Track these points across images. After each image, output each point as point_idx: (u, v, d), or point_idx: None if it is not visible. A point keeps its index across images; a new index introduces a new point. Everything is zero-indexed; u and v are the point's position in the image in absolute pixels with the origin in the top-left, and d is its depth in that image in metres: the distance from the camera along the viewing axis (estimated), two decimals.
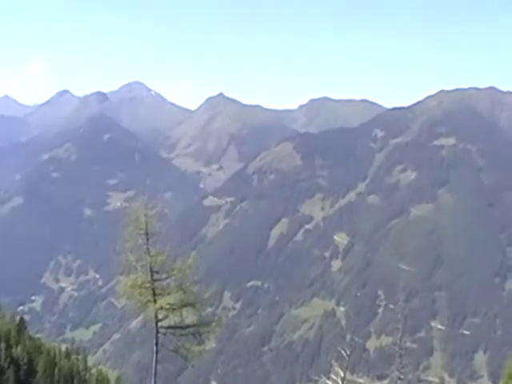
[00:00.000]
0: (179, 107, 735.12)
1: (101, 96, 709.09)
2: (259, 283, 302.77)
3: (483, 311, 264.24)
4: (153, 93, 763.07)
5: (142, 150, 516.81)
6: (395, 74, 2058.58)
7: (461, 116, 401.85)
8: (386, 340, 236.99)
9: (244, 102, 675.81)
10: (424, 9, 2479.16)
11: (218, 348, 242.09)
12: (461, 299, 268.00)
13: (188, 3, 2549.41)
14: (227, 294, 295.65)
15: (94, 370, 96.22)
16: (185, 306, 34.89)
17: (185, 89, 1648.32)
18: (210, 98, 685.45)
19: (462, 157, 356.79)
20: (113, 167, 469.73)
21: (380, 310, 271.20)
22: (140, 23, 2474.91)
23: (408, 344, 37.69)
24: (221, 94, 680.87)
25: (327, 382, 34.74)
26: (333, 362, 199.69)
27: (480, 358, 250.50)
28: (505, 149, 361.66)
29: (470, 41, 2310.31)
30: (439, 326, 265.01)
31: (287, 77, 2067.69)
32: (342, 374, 33.08)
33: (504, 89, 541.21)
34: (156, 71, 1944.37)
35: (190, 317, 35.07)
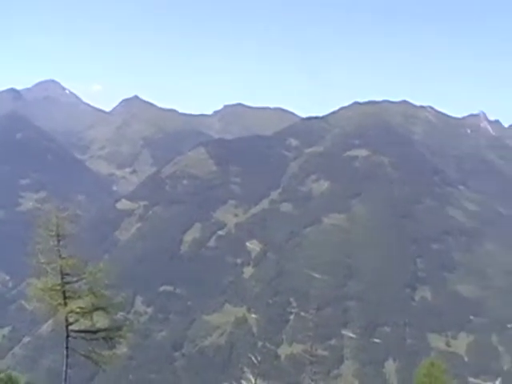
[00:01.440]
0: (94, 108, 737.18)
1: (14, 93, 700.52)
2: (171, 288, 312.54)
3: (394, 320, 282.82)
4: (67, 92, 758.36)
5: (55, 150, 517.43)
6: (310, 84, 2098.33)
7: (374, 128, 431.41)
8: (297, 347, 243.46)
9: (160, 105, 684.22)
10: (335, 20, 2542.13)
11: (129, 353, 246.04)
12: (372, 308, 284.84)
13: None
14: (139, 299, 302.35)
15: (2, 375, 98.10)
16: (96, 309, 35.00)
17: (100, 89, 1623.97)
18: (125, 100, 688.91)
19: (375, 168, 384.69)
20: (25, 167, 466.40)
21: (292, 318, 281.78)
22: (54, 19, 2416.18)
23: (319, 352, 42.31)
24: (136, 97, 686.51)
25: None
26: (244, 368, 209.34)
27: (390, 367, 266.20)
28: (417, 162, 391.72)
29: (383, 53, 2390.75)
30: (350, 335, 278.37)
31: (203, 82, 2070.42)
32: (253, 381, 36.30)
33: (417, 103, 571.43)
34: (71, 70, 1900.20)
35: (101, 321, 35.19)
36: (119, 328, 35.64)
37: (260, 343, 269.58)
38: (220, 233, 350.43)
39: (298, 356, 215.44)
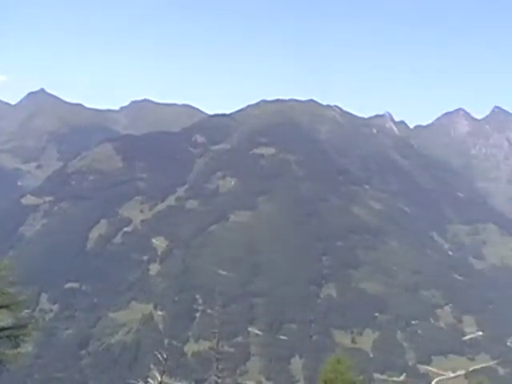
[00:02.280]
0: None
1: None
2: (77, 285, 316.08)
3: (299, 317, 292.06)
4: None
5: None
6: (218, 81, 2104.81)
7: (281, 126, 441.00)
8: (203, 344, 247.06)
9: (66, 99, 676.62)
10: (244, 19, 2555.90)
11: (35, 352, 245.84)
12: (278, 305, 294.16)
13: None
14: (44, 296, 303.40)
15: None
16: (0, 307, 33.88)
17: (5, 80, 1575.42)
18: (30, 93, 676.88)
19: (282, 166, 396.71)
20: None
21: (198, 315, 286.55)
22: None
23: (225, 349, 41.75)
24: (42, 90, 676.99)
25: None
26: (151, 366, 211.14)
27: (296, 363, 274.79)
28: (322, 161, 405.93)
29: (291, 52, 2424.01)
30: (257, 332, 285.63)
31: (111, 77, 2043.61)
32: (159, 379, 35.89)
33: (324, 102, 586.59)
34: None
35: (5, 319, 33.89)
36: (24, 326, 34.06)
37: (166, 340, 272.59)
38: (126, 229, 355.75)
39: (205, 353, 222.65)
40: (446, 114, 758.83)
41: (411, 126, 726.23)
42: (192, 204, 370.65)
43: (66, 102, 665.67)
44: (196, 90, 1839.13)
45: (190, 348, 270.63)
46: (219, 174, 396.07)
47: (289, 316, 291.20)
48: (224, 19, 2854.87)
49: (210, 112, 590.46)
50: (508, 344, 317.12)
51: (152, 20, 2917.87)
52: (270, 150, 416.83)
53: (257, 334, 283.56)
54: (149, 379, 36.90)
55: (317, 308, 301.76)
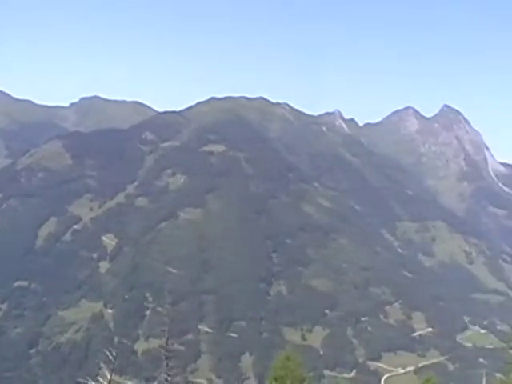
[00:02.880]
0: None
1: None
2: (26, 284, 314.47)
3: (249, 315, 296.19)
4: None
5: None
6: (168, 78, 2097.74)
7: (230, 124, 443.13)
8: (153, 342, 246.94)
9: (14, 95, 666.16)
10: (192, 18, 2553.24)
11: None
12: (228, 303, 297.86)
13: None
14: None
15: None
16: None
17: None
18: None
19: (231, 164, 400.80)
20: None
21: (148, 313, 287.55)
22: None
23: (175, 346, 40.92)
24: None
25: None
26: (101, 364, 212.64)
27: (246, 360, 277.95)
28: (272, 158, 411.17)
29: (241, 49, 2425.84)
30: (207, 329, 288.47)
31: (60, 73, 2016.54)
32: (109, 377, 35.77)
33: (273, 100, 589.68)
34: None
35: None
36: None
37: (116, 339, 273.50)
38: (76, 227, 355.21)
39: (154, 351, 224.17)
40: (396, 112, 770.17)
41: (361, 124, 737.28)
42: (141, 201, 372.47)
43: (14, 99, 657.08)
44: (146, 87, 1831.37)
45: (140, 346, 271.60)
46: (169, 171, 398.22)
47: (239, 314, 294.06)
48: (172, 16, 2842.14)
49: (160, 109, 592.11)
50: (457, 340, 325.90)
51: (99, 17, 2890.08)
52: (220, 148, 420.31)
53: (207, 332, 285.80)
54: (99, 378, 37.17)
55: (267, 305, 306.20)
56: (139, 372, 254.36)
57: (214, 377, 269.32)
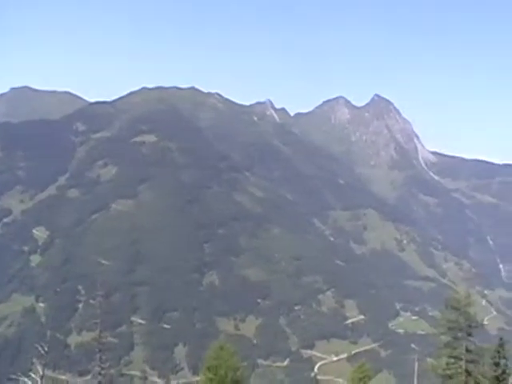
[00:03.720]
0: None
1: None
2: None
3: (182, 305, 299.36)
4: None
5: None
6: (100, 68, 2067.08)
7: (162, 114, 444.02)
8: (87, 336, 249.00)
9: None
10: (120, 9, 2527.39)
11: None
12: (161, 294, 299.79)
13: None
14: None
15: None
16: None
17: None
18: None
19: (163, 154, 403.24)
20: None
21: (80, 306, 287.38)
22: None
23: (109, 339, 46.10)
24: None
25: (26, 380, 37.79)
26: (34, 359, 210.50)
27: (180, 351, 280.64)
28: (204, 148, 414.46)
29: (172, 40, 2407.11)
30: (140, 321, 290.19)
31: None
32: (41, 372, 36.10)
33: (205, 90, 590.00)
34: None
35: None
36: None
37: (49, 333, 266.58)
38: (6, 220, 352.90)
39: (88, 344, 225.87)
40: (327, 101, 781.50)
41: (292, 114, 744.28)
42: (73, 193, 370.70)
43: None
44: (77, 77, 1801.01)
45: (73, 340, 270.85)
46: (100, 162, 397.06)
47: (172, 304, 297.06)
48: (101, 5, 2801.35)
49: (91, 99, 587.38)
50: (389, 326, 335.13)
51: (28, 6, 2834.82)
52: (152, 138, 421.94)
53: (140, 324, 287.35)
54: (31, 373, 38.04)
55: (200, 296, 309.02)
56: (72, 366, 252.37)
57: (147, 368, 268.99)
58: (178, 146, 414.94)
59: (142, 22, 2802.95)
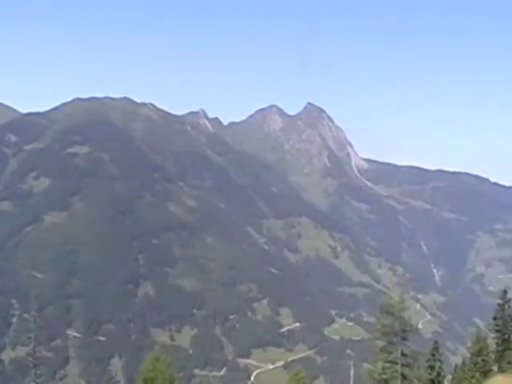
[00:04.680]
0: None
1: None
2: None
3: (117, 317, 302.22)
4: None
5: None
6: (32, 79, 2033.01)
7: (95, 125, 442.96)
8: (21, 350, 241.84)
9: None
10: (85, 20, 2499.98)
11: None
12: (96, 306, 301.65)
13: None
14: None
15: None
16: None
17: None
18: None
19: (96, 165, 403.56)
20: None
21: (14, 320, 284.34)
22: None
23: (43, 353, 46.94)
24: None
25: None
26: None
27: (116, 364, 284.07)
28: (137, 159, 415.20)
29: (105, 49, 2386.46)
30: (75, 334, 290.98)
31: None
32: None
33: (138, 100, 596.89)
34: None
35: None
36: None
37: None
38: None
39: (22, 359, 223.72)
40: (260, 110, 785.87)
41: (225, 123, 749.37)
42: (6, 205, 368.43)
43: None
44: (9, 88, 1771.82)
45: (7, 355, 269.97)
46: (33, 174, 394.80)
47: (106, 316, 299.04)
48: (32, 14, 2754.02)
49: (24, 110, 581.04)
50: (325, 333, 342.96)
51: None
52: (84, 149, 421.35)
53: (75, 337, 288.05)
54: None
55: (134, 307, 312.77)
56: (7, 382, 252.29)
57: (83, 382, 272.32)
58: (111, 157, 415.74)
59: (74, 32, 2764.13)
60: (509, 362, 68.46)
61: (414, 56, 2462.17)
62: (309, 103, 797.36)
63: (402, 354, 57.56)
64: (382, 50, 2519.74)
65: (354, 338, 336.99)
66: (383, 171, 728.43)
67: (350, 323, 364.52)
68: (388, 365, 58.14)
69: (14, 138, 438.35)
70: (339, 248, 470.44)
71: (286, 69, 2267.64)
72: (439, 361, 61.13)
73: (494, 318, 68.64)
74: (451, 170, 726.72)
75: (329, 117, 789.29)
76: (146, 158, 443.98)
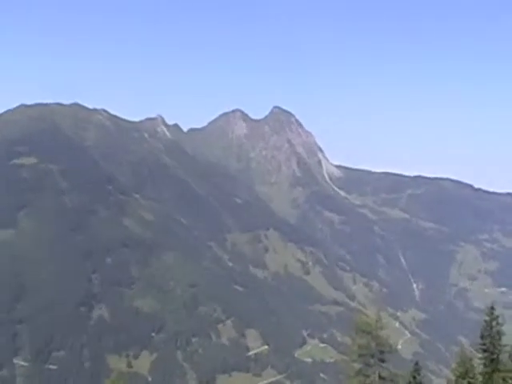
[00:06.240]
0: None
1: None
2: None
3: (70, 343, 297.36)
4: None
5: None
6: None
7: (42, 133, 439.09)
8: None
9: None
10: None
11: None
12: (45, 332, 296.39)
13: None
14: None
15: None
16: None
17: None
18: None
19: (44, 178, 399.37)
20: None
21: None
22: None
23: None
24: None
25: None
26: None
27: None
28: (88, 169, 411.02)
29: (54, 52, 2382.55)
30: (22, 363, 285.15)
31: None
32: None
33: (90, 106, 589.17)
34: None
35: None
36: None
37: None
38: None
39: None
40: (223, 115, 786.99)
41: (185, 130, 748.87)
42: None
43: None
44: None
45: None
46: None
47: (57, 343, 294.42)
48: None
49: None
50: (295, 356, 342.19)
51: None
52: (31, 160, 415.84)
53: (22, 366, 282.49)
54: None
55: (88, 332, 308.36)
56: None
57: None
58: (60, 168, 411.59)
59: (20, 34, 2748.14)
60: None
61: (390, 56, 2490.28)
62: (275, 107, 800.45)
63: (380, 377, 56.72)
64: (354, 50, 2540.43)
65: (328, 361, 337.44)
66: (356, 178, 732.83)
67: (322, 344, 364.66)
68: None
69: None
70: (310, 263, 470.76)
71: (249, 71, 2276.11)
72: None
73: (481, 337, 67.71)
74: (430, 175, 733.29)
75: (297, 121, 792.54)
76: (98, 168, 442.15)
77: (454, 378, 69.20)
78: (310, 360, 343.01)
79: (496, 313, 65.34)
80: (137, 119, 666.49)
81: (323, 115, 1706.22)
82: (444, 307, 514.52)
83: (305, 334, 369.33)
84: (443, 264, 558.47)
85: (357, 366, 57.45)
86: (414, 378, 60.85)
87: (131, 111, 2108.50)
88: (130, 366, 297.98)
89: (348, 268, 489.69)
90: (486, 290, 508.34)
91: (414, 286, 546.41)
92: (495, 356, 67.14)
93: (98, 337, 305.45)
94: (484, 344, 67.30)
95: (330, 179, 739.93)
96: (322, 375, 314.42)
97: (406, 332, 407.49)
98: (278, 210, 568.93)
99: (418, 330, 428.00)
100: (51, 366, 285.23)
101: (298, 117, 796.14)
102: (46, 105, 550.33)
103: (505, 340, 62.16)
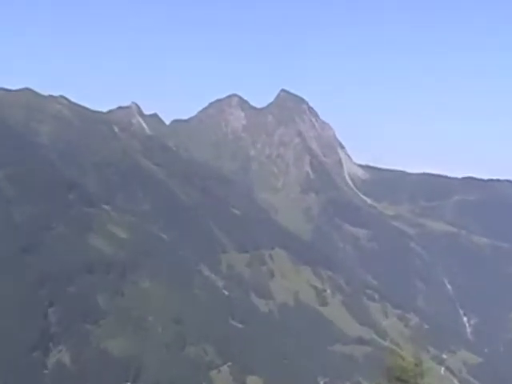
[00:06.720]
0: None
1: None
2: None
3: None
4: None
5: None
6: None
7: None
8: None
9: None
10: None
11: None
12: None
13: None
14: None
15: None
16: None
17: None
18: None
19: None
20: None
21: None
22: None
23: None
24: None
25: None
26: None
27: None
28: (44, 173, 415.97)
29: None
30: None
31: None
32: None
33: (44, 92, 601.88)
34: None
35: None
36: None
37: None
38: None
39: None
40: (215, 102, 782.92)
41: (167, 122, 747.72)
42: None
43: None
44: None
45: None
46: None
47: None
48: None
49: None
50: None
51: None
52: None
53: None
54: None
55: (44, 381, 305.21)
56: None
57: None
58: (8, 173, 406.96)
59: None
60: None
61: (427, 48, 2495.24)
62: (283, 90, 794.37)
63: None
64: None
65: None
66: (387, 182, 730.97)
67: None
68: None
69: None
70: (328, 290, 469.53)
71: (250, 50, 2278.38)
72: None
73: None
74: (484, 177, 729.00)
75: (311, 109, 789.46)
76: (56, 172, 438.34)
77: None
78: None
79: None
80: (105, 109, 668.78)
81: (345, 103, 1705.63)
82: (504, 347, 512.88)
83: (322, 381, 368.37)
84: (503, 291, 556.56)
85: None
86: None
87: (98, 99, 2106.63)
88: None
89: (377, 297, 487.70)
90: None
91: (465, 319, 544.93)
92: None
93: None
94: None
95: (353, 183, 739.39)
96: None
97: (455, 380, 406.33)
98: (285, 224, 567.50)
99: (470, 378, 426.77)
100: None
101: (311, 104, 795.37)
102: None
103: None
